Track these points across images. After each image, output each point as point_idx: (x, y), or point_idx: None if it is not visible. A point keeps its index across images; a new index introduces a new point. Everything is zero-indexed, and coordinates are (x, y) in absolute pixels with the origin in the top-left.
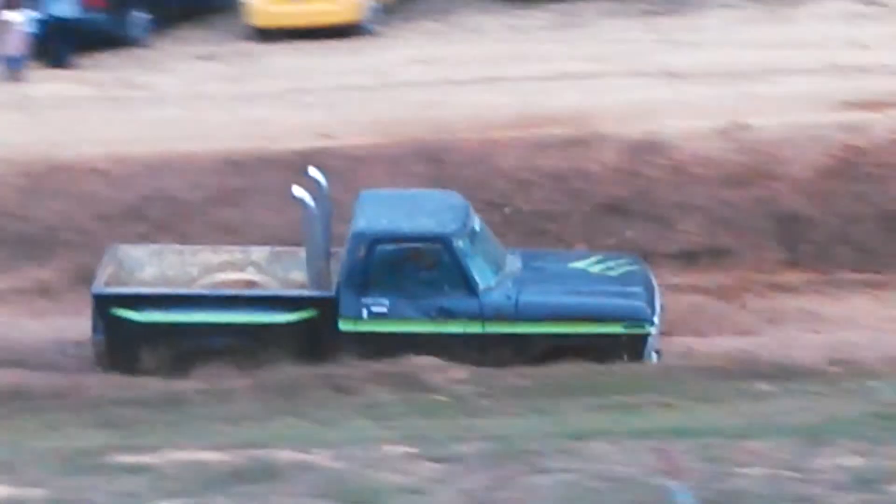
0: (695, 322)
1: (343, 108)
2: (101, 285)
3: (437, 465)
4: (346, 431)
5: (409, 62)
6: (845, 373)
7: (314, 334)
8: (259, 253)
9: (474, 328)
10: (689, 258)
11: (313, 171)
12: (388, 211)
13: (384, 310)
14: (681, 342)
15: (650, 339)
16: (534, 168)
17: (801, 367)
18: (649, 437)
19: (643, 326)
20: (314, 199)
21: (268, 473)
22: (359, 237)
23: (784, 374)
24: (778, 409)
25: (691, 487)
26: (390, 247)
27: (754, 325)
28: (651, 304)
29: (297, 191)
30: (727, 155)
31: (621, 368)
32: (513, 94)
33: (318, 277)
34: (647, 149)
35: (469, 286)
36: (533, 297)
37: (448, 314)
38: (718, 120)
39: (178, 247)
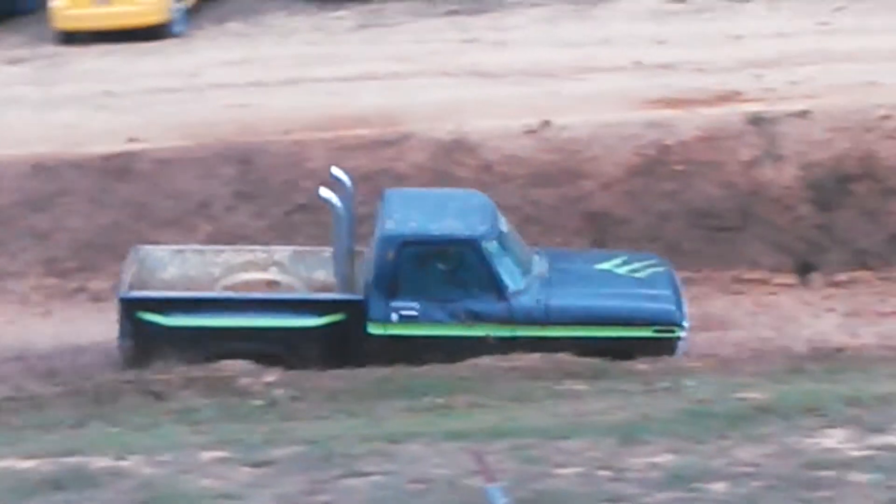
0: None
1: (151, 111)
2: (126, 289)
3: (252, 470)
4: (160, 437)
5: (217, 64)
6: (658, 371)
7: (342, 338)
8: (282, 253)
9: (504, 332)
10: None
11: (337, 172)
12: (416, 212)
13: (414, 313)
14: None
15: (680, 342)
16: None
17: (614, 366)
18: (464, 439)
19: (674, 330)
20: (340, 199)
21: (82, 481)
22: (388, 240)
23: (597, 373)
24: (592, 409)
25: (507, 488)
26: (420, 249)
27: None
28: (680, 306)
29: (324, 192)
30: (536, 154)
31: (433, 370)
32: (321, 96)
33: (345, 280)
34: (455, 148)
35: (499, 289)
36: (562, 300)
37: (478, 318)
38: (527, 119)
39: (200, 247)
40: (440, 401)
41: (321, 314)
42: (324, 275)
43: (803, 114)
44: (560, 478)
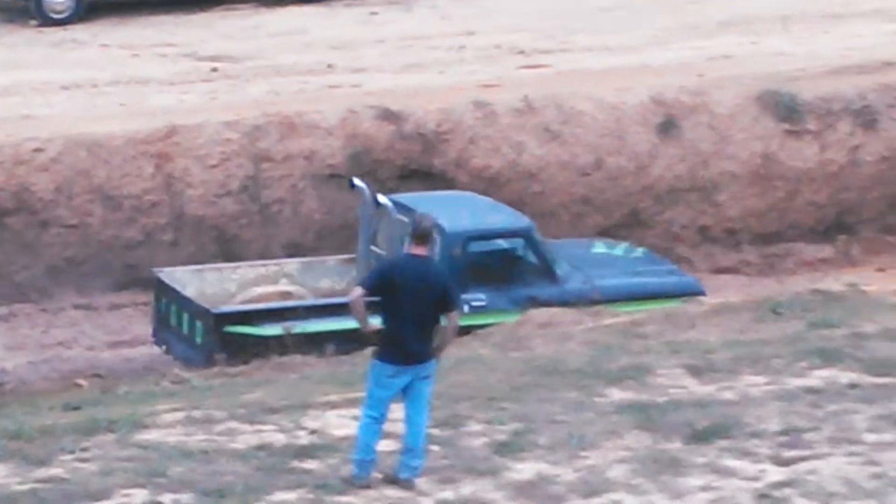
0: None
1: None
2: (211, 305)
3: None
4: None
5: None
6: None
7: None
8: (291, 265)
9: None
10: None
11: (358, 182)
12: (457, 211)
13: (483, 303)
14: None
15: None
16: None
17: None
18: None
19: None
20: (362, 206)
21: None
22: (453, 236)
23: None
24: None
25: None
26: (481, 243)
27: None
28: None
29: (358, 181)
30: None
31: None
32: None
33: None
34: None
35: (551, 274)
36: (606, 280)
37: (537, 302)
38: None
39: (216, 265)
40: None
41: None
42: (328, 283)
43: None
44: None
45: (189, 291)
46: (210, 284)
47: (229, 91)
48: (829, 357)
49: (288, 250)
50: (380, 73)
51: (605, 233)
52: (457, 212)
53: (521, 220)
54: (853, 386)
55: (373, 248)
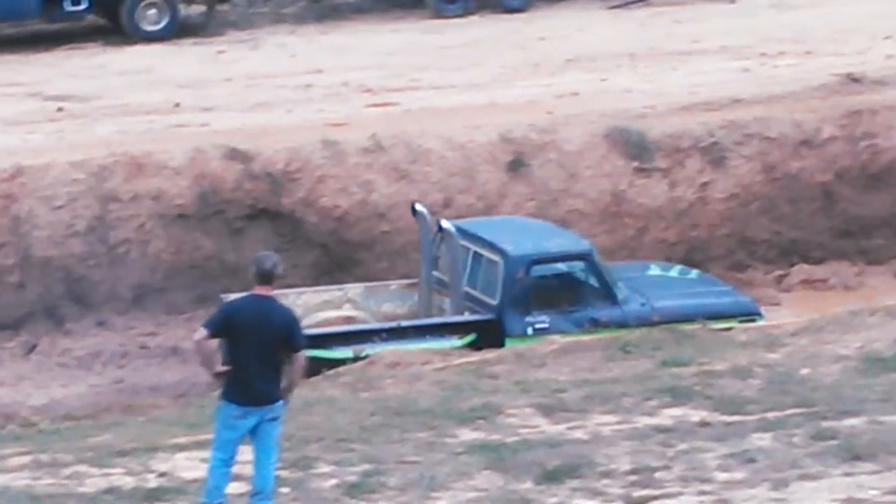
0: None
1: None
2: None
3: None
4: None
5: None
6: None
7: None
8: (354, 290)
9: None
10: None
11: (420, 207)
12: (516, 235)
13: (546, 325)
14: None
15: None
16: None
17: None
18: None
19: (754, 319)
20: (423, 232)
21: None
22: (517, 260)
23: None
24: None
25: None
26: (544, 266)
27: None
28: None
29: (420, 206)
30: None
31: None
32: None
33: (459, 303)
34: None
35: (612, 296)
36: (663, 302)
37: (598, 324)
38: None
39: (283, 291)
40: None
41: (461, 335)
42: (391, 307)
43: None
44: None
45: None
46: None
47: (76, 131)
48: (679, 395)
49: (135, 291)
50: (228, 111)
51: None
52: (518, 236)
53: (581, 244)
54: (703, 424)
55: (435, 273)
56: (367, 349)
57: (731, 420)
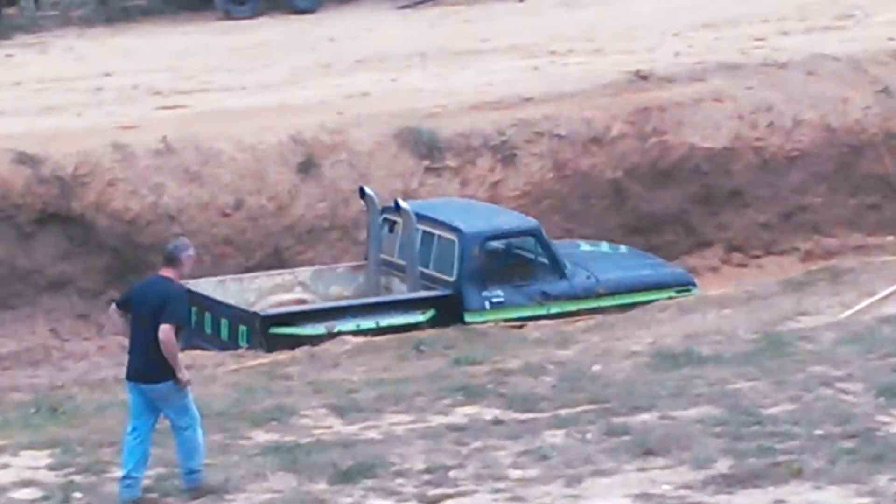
0: None
1: None
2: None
3: None
4: None
5: None
6: None
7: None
8: (303, 273)
9: (570, 307)
10: None
11: (368, 190)
12: (466, 215)
13: (502, 299)
14: None
15: None
16: None
17: None
18: None
19: (689, 290)
20: (371, 214)
21: None
22: (472, 237)
23: None
24: None
25: None
26: (497, 243)
27: None
28: None
29: (368, 189)
30: None
31: None
32: None
33: (416, 281)
34: None
35: (560, 270)
36: (608, 275)
37: (548, 297)
38: None
39: (236, 276)
40: None
41: (422, 310)
42: (338, 289)
43: None
44: None
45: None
46: (232, 294)
47: None
48: (472, 394)
49: None
50: (16, 116)
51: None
52: (468, 215)
53: (529, 221)
54: (497, 422)
55: (382, 255)
56: (338, 325)
57: (525, 417)
